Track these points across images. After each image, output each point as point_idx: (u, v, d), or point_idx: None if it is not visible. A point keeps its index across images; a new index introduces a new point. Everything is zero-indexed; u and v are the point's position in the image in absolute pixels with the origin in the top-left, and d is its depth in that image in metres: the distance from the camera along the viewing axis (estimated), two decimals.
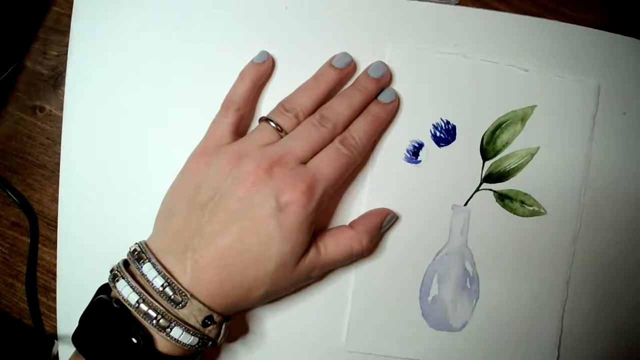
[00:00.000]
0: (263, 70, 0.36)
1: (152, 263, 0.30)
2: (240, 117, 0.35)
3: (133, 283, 0.29)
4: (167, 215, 0.32)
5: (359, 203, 0.37)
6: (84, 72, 0.37)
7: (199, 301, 0.29)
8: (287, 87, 0.35)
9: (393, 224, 0.36)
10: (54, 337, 0.37)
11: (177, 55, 0.37)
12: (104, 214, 0.37)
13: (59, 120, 0.38)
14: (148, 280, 0.29)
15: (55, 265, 0.37)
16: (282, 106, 0.34)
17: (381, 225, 0.35)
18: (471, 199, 0.37)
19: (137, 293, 0.29)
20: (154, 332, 0.29)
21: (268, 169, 0.31)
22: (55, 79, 0.39)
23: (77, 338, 0.30)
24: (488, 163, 0.37)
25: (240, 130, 0.35)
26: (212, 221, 0.30)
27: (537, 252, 0.37)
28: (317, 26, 0.37)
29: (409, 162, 0.37)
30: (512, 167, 0.37)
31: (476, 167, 0.37)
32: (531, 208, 0.37)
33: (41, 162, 0.39)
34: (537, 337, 0.37)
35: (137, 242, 0.32)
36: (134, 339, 0.28)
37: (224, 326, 0.31)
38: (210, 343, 0.31)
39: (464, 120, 0.37)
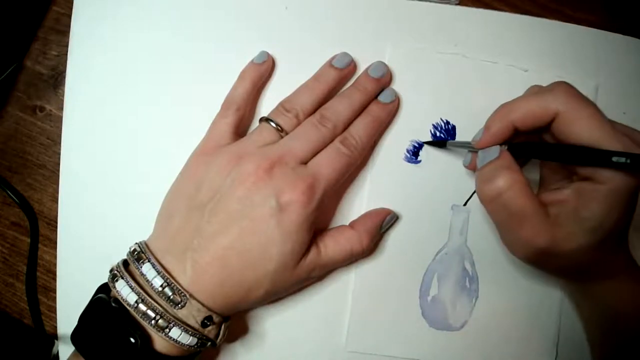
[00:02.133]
0: (263, 71, 0.36)
1: (151, 263, 0.30)
2: (240, 118, 0.35)
3: (132, 283, 0.29)
4: (167, 215, 0.32)
5: (359, 203, 0.37)
6: (84, 72, 0.37)
7: (199, 301, 0.29)
8: (287, 87, 0.35)
9: (393, 224, 0.36)
10: (54, 337, 0.37)
11: (177, 55, 0.37)
12: (104, 214, 0.37)
13: (59, 120, 0.38)
14: (147, 280, 0.29)
15: (55, 265, 0.37)
16: (282, 106, 0.34)
17: (381, 225, 0.35)
18: (471, 199, 0.37)
19: (136, 293, 0.29)
20: (152, 332, 0.29)
21: (268, 169, 0.31)
22: (55, 79, 0.39)
23: (76, 337, 0.30)
24: None
25: (240, 131, 0.35)
26: (212, 221, 0.30)
27: None
28: (317, 26, 0.37)
29: (409, 162, 0.37)
30: None
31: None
32: None
33: (41, 162, 0.39)
34: (535, 335, 0.37)
35: (137, 242, 0.32)
36: (132, 339, 0.28)
37: (223, 326, 0.31)
38: (209, 343, 0.31)
39: (464, 120, 0.37)
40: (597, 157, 0.27)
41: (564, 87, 0.29)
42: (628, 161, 0.26)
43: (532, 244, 0.29)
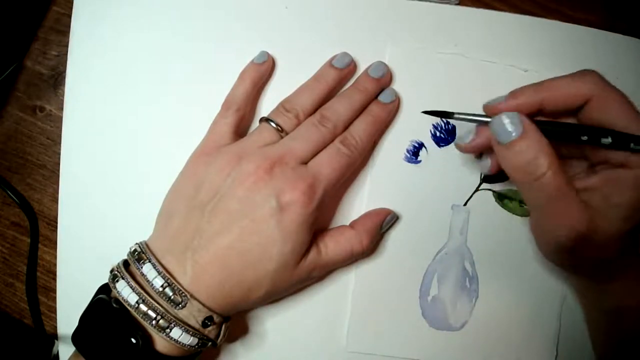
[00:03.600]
0: (263, 71, 0.36)
1: (152, 263, 0.30)
2: (240, 118, 0.35)
3: (133, 283, 0.29)
4: (167, 215, 0.32)
5: (359, 203, 0.37)
6: (84, 72, 0.37)
7: (199, 302, 0.29)
8: (287, 87, 0.35)
9: (393, 224, 0.36)
10: (54, 337, 0.38)
11: (177, 55, 0.37)
12: (104, 214, 0.37)
13: (59, 120, 0.38)
14: (148, 281, 0.29)
15: (55, 265, 0.37)
16: (283, 106, 0.34)
17: (381, 225, 0.35)
18: (471, 199, 0.37)
19: (136, 293, 0.29)
20: (153, 332, 0.29)
21: (268, 169, 0.31)
22: (55, 79, 0.39)
23: (77, 338, 0.30)
24: None
25: (240, 131, 0.35)
26: (212, 221, 0.30)
27: (535, 251, 0.37)
28: (317, 26, 0.37)
29: (409, 162, 0.37)
30: None
31: (476, 167, 0.37)
32: None
33: (41, 162, 0.39)
34: (535, 335, 0.37)
35: (138, 242, 0.32)
36: (132, 339, 0.28)
37: (223, 327, 0.31)
38: (209, 343, 0.31)
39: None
40: (634, 140, 0.27)
41: (596, 74, 0.29)
42: None
43: (572, 228, 0.27)
